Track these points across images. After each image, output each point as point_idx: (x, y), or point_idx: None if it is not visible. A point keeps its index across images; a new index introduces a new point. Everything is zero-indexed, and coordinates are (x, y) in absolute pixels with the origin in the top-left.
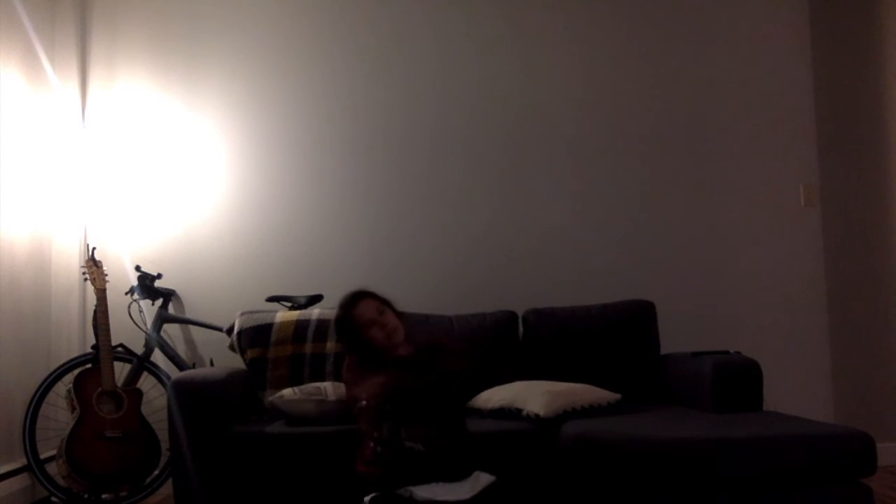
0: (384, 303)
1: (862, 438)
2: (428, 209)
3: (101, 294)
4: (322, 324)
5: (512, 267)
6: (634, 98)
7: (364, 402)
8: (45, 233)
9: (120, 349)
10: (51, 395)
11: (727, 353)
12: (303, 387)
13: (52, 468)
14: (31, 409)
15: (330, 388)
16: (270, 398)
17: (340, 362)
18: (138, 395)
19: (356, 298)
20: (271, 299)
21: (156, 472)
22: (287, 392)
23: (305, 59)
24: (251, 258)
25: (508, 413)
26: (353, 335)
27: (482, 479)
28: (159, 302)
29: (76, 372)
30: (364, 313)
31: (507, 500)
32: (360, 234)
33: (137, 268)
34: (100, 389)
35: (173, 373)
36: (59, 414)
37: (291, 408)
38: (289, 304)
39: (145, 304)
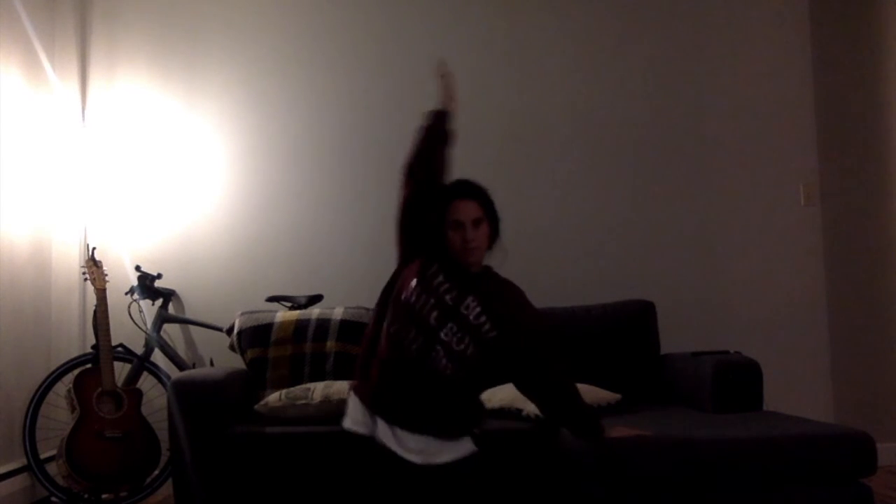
0: (487, 217)
1: (862, 438)
2: None
3: (101, 294)
4: (322, 323)
5: (512, 267)
6: (634, 98)
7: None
8: (45, 233)
9: (120, 349)
10: (51, 395)
11: (727, 353)
12: (289, 390)
13: (52, 468)
14: (31, 409)
15: (320, 389)
16: (255, 406)
17: (340, 362)
18: (138, 395)
19: (465, 193)
20: (271, 299)
21: (156, 472)
22: (272, 398)
23: (305, 60)
24: (251, 258)
25: (508, 413)
26: (428, 216)
27: (455, 452)
28: (159, 302)
29: (76, 372)
30: (459, 212)
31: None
32: (360, 234)
33: (137, 268)
34: (100, 389)
35: (173, 373)
36: (59, 414)
37: (275, 415)
38: (289, 304)
39: (145, 304)
